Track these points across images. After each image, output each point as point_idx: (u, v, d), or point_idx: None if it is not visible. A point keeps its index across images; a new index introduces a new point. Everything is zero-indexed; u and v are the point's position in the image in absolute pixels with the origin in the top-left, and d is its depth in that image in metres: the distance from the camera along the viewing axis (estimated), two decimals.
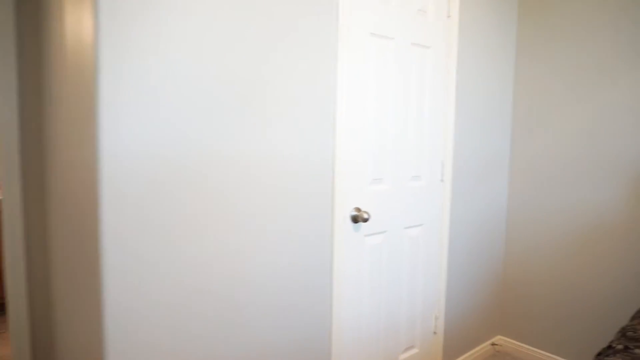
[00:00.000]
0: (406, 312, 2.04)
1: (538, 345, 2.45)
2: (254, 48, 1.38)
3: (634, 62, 2.06)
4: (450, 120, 2.12)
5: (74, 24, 1.20)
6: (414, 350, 2.10)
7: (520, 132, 2.49)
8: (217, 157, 1.32)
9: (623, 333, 1.55)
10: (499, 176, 2.49)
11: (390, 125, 1.85)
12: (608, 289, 2.20)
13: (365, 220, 1.71)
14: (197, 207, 1.29)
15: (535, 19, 2.40)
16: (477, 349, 2.47)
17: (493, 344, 2.58)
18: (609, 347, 1.47)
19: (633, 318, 1.73)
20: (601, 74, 2.17)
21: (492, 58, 2.34)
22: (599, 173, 2.21)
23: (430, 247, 2.11)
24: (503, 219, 2.56)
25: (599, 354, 1.49)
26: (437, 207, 2.13)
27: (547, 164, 2.39)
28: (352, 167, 1.71)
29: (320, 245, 1.63)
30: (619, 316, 2.17)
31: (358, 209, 1.74)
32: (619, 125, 2.13)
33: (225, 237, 1.37)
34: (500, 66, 2.41)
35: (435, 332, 2.19)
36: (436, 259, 2.15)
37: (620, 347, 1.43)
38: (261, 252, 1.46)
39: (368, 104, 1.74)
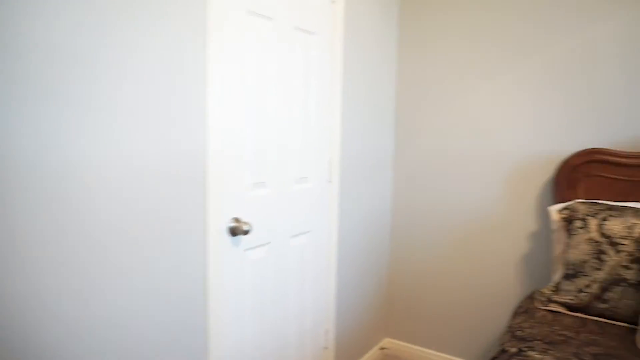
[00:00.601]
0: (295, 330, 1.82)
1: (427, 345, 2.44)
2: (89, 17, 1.02)
3: (513, 60, 2.13)
4: (337, 115, 1.95)
5: None
6: None
7: (404, 130, 2.45)
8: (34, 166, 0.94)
9: (512, 333, 1.53)
10: (383, 176, 2.42)
11: (273, 120, 1.61)
12: (491, 283, 2.26)
13: (246, 232, 1.44)
14: None
15: (417, 9, 2.37)
16: (367, 356, 2.38)
17: (382, 348, 2.51)
18: (503, 350, 1.42)
19: (516, 314, 1.74)
20: (482, 72, 2.21)
21: (379, 50, 2.25)
22: (480, 170, 2.25)
23: (318, 256, 1.93)
24: (388, 221, 2.50)
25: (494, 358, 1.45)
26: (325, 211, 1.95)
27: (430, 162, 2.38)
28: (229, 169, 1.43)
29: (189, 271, 1.32)
30: (502, 309, 2.24)
31: (237, 220, 1.46)
32: (498, 123, 2.19)
33: (43, 277, 0.99)
34: (385, 59, 2.33)
35: (326, 347, 2.02)
36: (325, 268, 1.98)
37: (514, 350, 1.39)
38: (107, 290, 1.11)
39: (247, 95, 1.48)
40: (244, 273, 1.53)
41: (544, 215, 2.09)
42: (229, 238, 1.45)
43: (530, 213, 2.13)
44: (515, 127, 2.13)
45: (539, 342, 1.42)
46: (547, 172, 2.07)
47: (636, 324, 1.53)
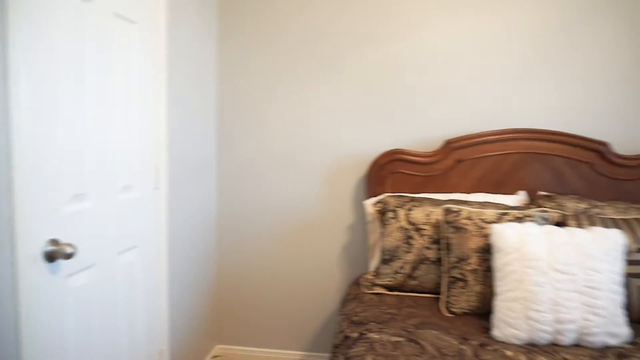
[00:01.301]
0: (127, 355, 1.61)
1: (260, 344, 2.46)
2: None
3: (331, 67, 2.30)
4: (162, 114, 1.79)
5: None
6: None
7: (227, 131, 2.41)
8: None
9: (349, 319, 1.67)
10: (208, 178, 2.34)
11: (91, 120, 1.37)
12: (316, 275, 2.42)
13: (70, 255, 1.20)
14: None
15: (238, 4, 2.35)
16: None
17: (214, 357, 2.43)
18: (346, 337, 1.55)
19: (346, 301, 1.92)
20: (303, 76, 2.33)
21: (202, 44, 2.14)
22: (303, 169, 2.37)
23: (148, 272, 1.74)
24: (214, 225, 2.43)
25: (337, 346, 1.56)
26: (153, 221, 1.77)
27: (255, 163, 2.40)
28: (42, 179, 1.16)
29: None
30: (329, 298, 2.42)
31: (56, 242, 1.20)
32: (319, 125, 2.34)
33: None
34: (206, 58, 2.24)
35: None
36: (156, 285, 1.80)
37: (355, 335, 1.53)
38: None
39: (60, 90, 1.22)
40: (66, 304, 1.27)
41: (360, 209, 2.35)
42: (45, 265, 1.18)
43: (348, 207, 2.36)
44: (334, 130, 2.33)
45: (373, 323, 1.59)
46: (361, 170, 2.33)
47: (439, 294, 1.86)
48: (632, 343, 1.47)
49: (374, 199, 2.16)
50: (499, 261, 1.57)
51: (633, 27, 2.11)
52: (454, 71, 2.22)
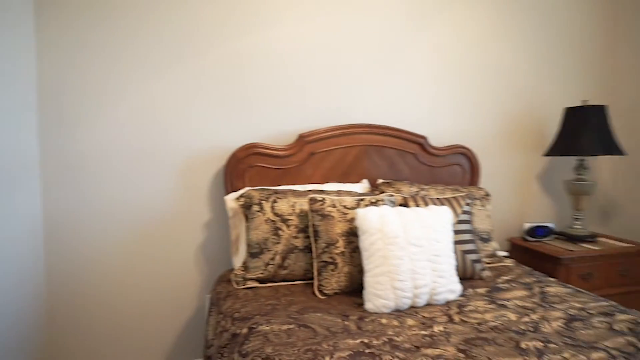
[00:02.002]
0: None
1: None
2: None
3: (179, 56, 2.14)
4: None
5: None
6: None
7: (54, 124, 2.03)
8: None
9: (231, 317, 1.63)
10: (28, 181, 1.94)
11: None
12: (173, 276, 2.25)
13: None
14: None
15: None
16: None
17: None
18: (234, 335, 1.51)
19: (219, 300, 1.86)
20: (151, 67, 2.11)
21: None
22: (152, 165, 2.17)
23: None
24: (39, 239, 2.03)
25: (225, 346, 1.51)
26: None
27: (94, 159, 2.09)
28: None
29: None
30: (188, 305, 2.27)
31: None
32: (170, 119, 2.17)
33: None
34: (18, 26, 1.84)
35: None
36: None
37: (245, 330, 1.50)
38: None
39: None
40: None
41: (217, 205, 2.28)
42: None
43: (204, 204, 2.26)
44: (186, 123, 2.20)
45: (258, 316, 1.59)
46: (216, 165, 2.26)
47: (309, 279, 1.96)
48: (463, 295, 1.84)
49: (235, 194, 2.13)
50: (366, 242, 1.75)
51: (449, 37, 2.58)
52: (308, 68, 2.35)
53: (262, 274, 1.93)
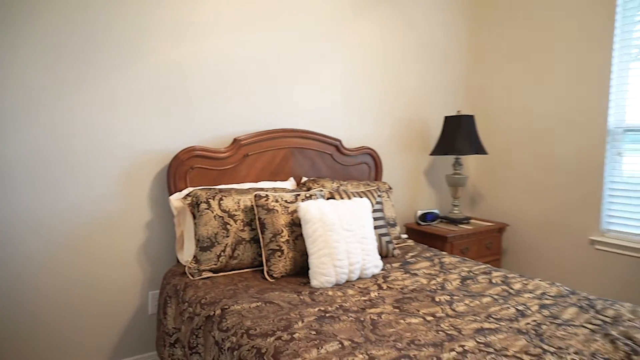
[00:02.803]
0: None
1: None
2: None
3: (141, 53, 2.21)
4: None
5: None
6: None
7: None
8: None
9: (199, 303, 1.83)
10: None
11: None
12: (116, 279, 2.30)
13: None
14: None
15: None
16: None
17: None
18: (207, 317, 1.72)
19: (178, 292, 2.02)
20: (91, 71, 2.14)
21: None
22: (93, 169, 2.20)
23: None
24: None
25: (199, 327, 1.71)
26: None
27: (26, 163, 2.06)
28: None
29: None
30: (131, 301, 2.34)
31: None
32: (110, 124, 2.22)
33: None
34: None
35: None
36: None
37: (217, 311, 1.72)
38: None
39: None
40: None
41: (158, 205, 2.40)
42: None
43: (145, 205, 2.36)
44: (127, 125, 2.28)
45: (225, 299, 1.82)
46: (157, 167, 2.38)
47: (257, 266, 2.22)
48: (384, 269, 2.27)
49: (179, 194, 2.29)
50: (309, 230, 2.08)
51: (357, 51, 3.00)
52: (239, 77, 2.57)
53: (215, 265, 2.14)
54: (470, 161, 3.72)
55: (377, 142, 3.21)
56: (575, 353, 1.38)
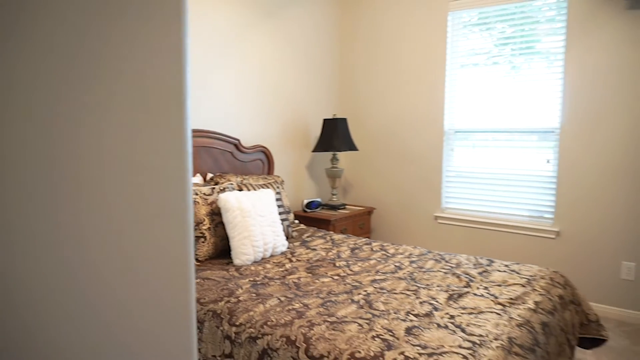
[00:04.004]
0: None
1: None
2: None
3: None
4: None
5: None
6: None
7: None
8: None
9: None
10: None
11: None
12: None
13: None
14: None
15: None
16: None
17: None
18: None
19: None
20: None
21: None
22: None
23: None
24: None
25: None
26: None
27: None
28: None
29: None
30: None
31: None
32: None
33: None
34: None
35: None
36: None
37: None
38: None
39: None
40: None
41: None
42: None
43: None
44: None
45: None
46: None
47: None
48: (289, 248, 2.73)
49: None
50: (229, 217, 2.42)
51: (252, 59, 3.36)
52: None
53: None
54: (344, 156, 4.38)
55: (269, 141, 3.64)
56: (438, 286, 2.03)
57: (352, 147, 3.82)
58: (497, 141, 3.49)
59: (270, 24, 3.53)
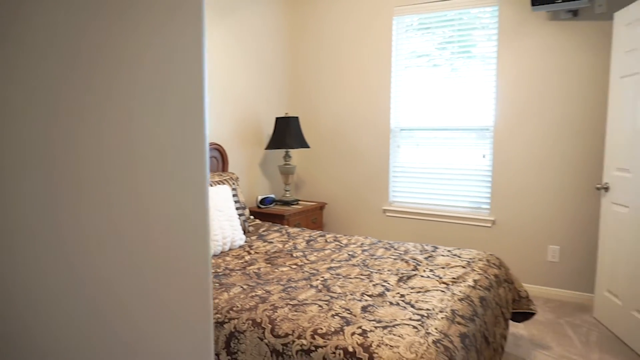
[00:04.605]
0: None
1: None
2: None
3: None
4: None
5: None
6: None
7: None
8: None
9: None
10: None
11: None
12: None
13: None
14: None
15: None
16: None
17: None
18: None
19: None
20: None
21: None
22: None
23: None
24: None
25: None
26: None
27: None
28: None
29: None
30: None
31: None
32: None
33: None
34: None
35: None
36: None
37: None
38: None
39: None
40: None
41: None
42: None
43: None
44: None
45: None
46: None
47: None
48: (246, 242, 2.82)
49: None
50: None
51: (210, 61, 3.38)
52: None
53: None
54: (296, 154, 4.50)
55: (223, 139, 3.69)
56: (388, 270, 2.21)
57: (303, 144, 3.95)
58: (439, 139, 3.76)
59: (221, 25, 3.58)
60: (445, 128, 3.70)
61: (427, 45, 3.73)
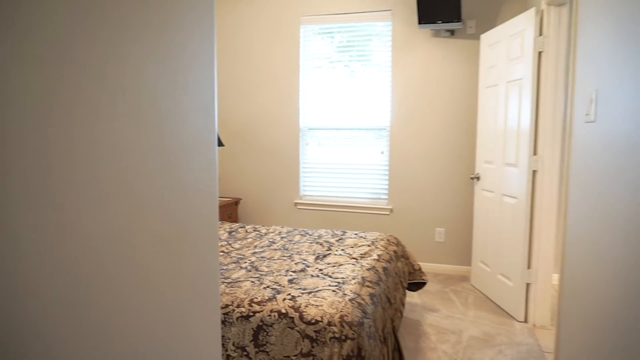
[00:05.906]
0: None
1: None
2: None
3: None
4: None
5: None
6: None
7: None
8: None
9: None
10: None
11: None
12: None
13: None
14: None
15: None
16: None
17: None
18: None
19: None
20: None
21: None
22: None
23: None
24: None
25: None
26: None
27: None
28: None
29: None
30: None
31: None
32: None
33: None
34: None
35: None
36: None
37: None
38: None
39: None
40: None
41: None
42: None
43: None
44: None
45: None
46: None
47: None
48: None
49: None
50: None
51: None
52: None
53: None
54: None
55: None
56: (306, 251, 2.53)
57: (219, 142, 4.11)
58: (342, 138, 4.18)
59: None
60: (348, 128, 4.14)
61: (329, 50, 4.13)
